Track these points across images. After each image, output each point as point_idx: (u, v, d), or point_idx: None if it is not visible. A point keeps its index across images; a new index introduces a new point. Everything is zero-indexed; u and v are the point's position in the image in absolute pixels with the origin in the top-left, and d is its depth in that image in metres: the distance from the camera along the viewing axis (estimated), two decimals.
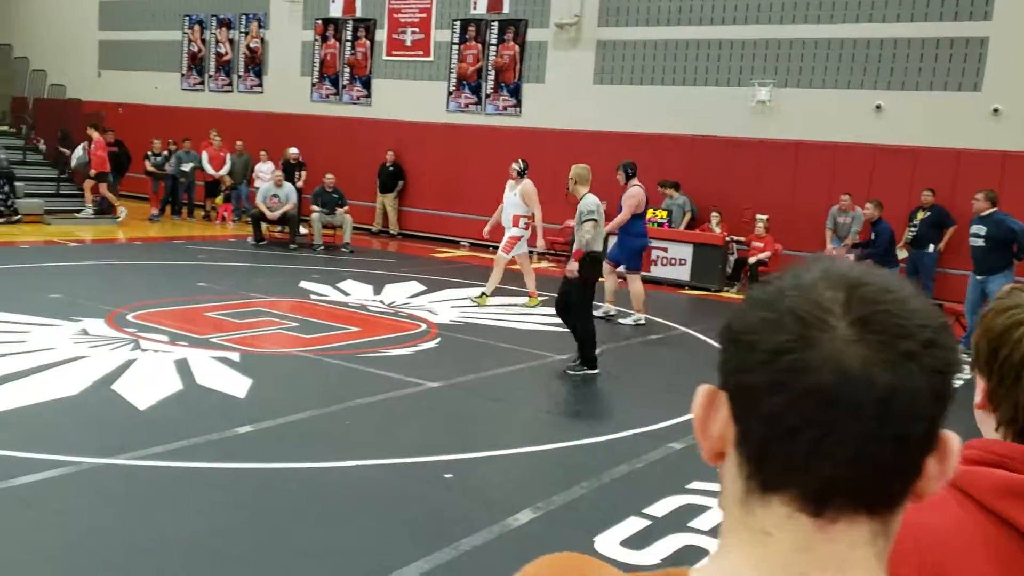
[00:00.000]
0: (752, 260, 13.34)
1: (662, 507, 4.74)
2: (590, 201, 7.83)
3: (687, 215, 14.38)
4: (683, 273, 13.65)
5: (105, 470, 4.82)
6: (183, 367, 6.88)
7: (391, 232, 17.66)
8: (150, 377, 6.53)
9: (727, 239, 13.64)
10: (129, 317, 8.52)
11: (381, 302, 10.40)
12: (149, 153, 18.13)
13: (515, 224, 10.66)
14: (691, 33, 14.96)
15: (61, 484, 4.59)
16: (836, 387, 0.64)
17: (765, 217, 13.56)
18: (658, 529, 4.46)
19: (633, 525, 4.49)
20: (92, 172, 15.76)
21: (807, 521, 0.67)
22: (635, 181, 10.17)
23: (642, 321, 10.17)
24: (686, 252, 13.64)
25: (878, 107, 13.46)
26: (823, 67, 13.96)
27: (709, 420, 0.72)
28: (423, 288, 11.61)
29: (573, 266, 7.62)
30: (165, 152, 18.21)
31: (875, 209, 11.63)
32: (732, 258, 13.79)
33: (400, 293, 11.12)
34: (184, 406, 6.01)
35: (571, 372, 7.60)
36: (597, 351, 7.70)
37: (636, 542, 4.31)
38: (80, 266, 11.71)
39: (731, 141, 14.57)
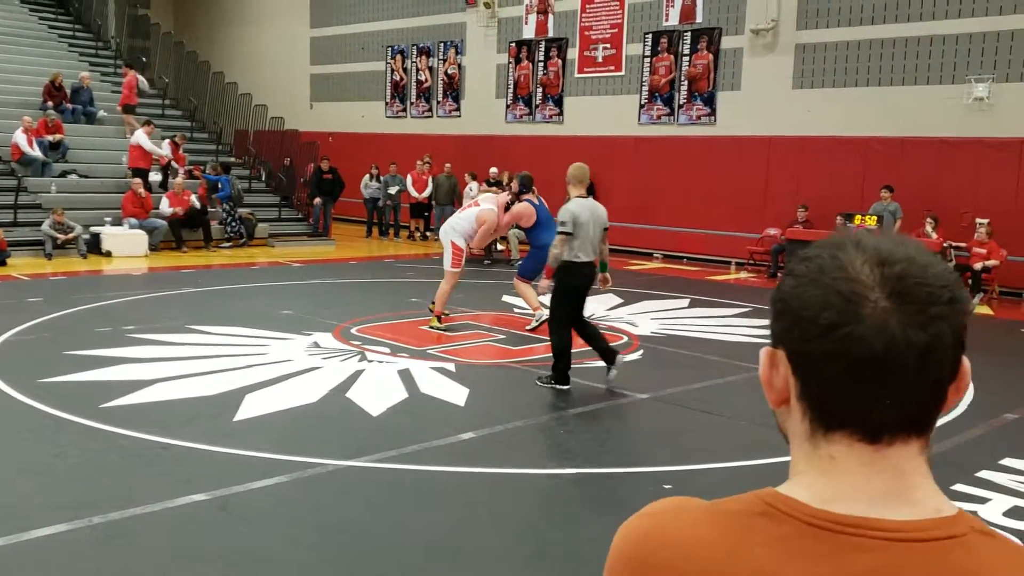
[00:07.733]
0: (977, 267, 12.52)
1: None
2: (565, 208, 6.98)
3: (898, 221, 13.68)
4: None
5: (348, 471, 5.22)
6: (407, 376, 7.32)
7: None
8: (379, 386, 7.00)
9: (945, 245, 12.86)
10: (353, 331, 9.14)
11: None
12: (367, 178, 19.32)
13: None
14: (897, 31, 14.26)
15: (311, 483, 5.02)
16: (884, 353, 0.78)
17: (986, 221, 12.68)
18: None
19: None
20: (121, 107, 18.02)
21: (866, 447, 0.82)
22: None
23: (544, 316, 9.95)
24: None
25: None
26: None
27: (773, 376, 0.87)
28: (621, 300, 11.69)
29: (544, 282, 7.33)
30: (366, 176, 19.36)
31: None
32: (951, 265, 12.97)
33: (599, 306, 11.25)
34: (411, 413, 6.40)
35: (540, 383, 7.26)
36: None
37: None
38: (304, 285, 12.66)
39: (945, 141, 13.75)
